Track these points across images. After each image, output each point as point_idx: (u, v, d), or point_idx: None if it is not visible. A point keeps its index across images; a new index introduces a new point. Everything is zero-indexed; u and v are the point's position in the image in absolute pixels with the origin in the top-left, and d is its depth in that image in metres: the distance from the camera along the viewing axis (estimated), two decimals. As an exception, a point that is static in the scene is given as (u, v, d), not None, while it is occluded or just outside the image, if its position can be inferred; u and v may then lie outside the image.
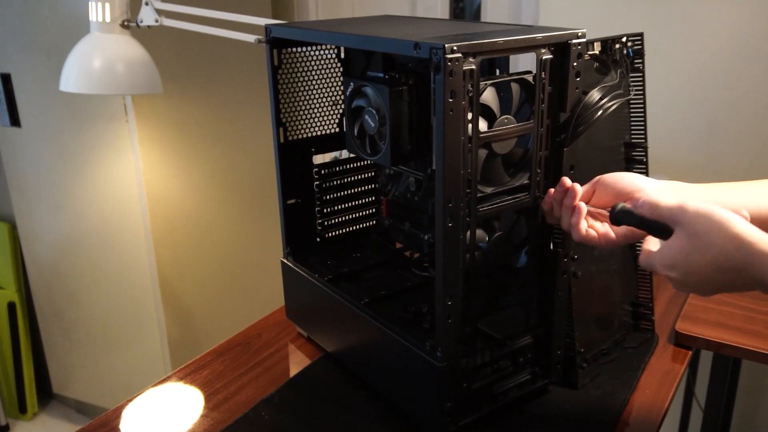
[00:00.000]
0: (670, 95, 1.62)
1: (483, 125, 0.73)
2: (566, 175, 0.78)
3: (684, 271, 0.63)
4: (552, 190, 0.77)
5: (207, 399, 0.93)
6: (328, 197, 1.06)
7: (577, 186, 0.74)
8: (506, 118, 0.74)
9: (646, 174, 0.93)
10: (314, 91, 1.02)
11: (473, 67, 0.67)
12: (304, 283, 1.00)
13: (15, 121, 1.92)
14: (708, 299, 1.16)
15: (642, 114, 0.92)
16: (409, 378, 0.82)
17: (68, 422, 2.26)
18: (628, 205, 0.69)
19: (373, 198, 1.10)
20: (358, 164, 1.07)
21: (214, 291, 2.08)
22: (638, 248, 0.97)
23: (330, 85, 1.04)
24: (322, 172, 1.04)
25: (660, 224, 0.65)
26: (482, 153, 0.74)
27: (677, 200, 0.64)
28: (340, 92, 1.05)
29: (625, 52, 0.86)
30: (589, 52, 0.83)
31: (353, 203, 1.09)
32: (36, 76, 1.83)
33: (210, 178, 1.99)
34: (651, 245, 0.68)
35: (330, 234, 1.08)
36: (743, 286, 0.62)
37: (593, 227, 0.74)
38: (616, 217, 0.70)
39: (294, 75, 0.99)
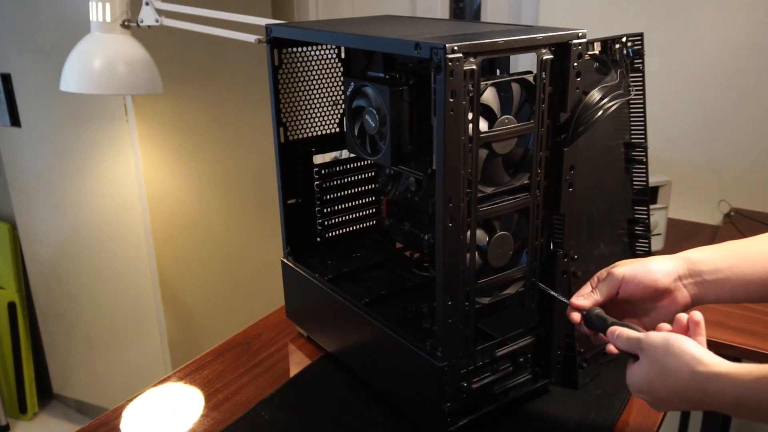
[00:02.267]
0: (670, 95, 1.62)
1: (483, 125, 0.73)
2: (566, 175, 0.78)
3: (651, 398, 0.66)
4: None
5: (207, 399, 0.93)
6: (328, 197, 1.06)
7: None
8: (507, 118, 0.74)
9: (646, 174, 0.93)
10: (314, 91, 1.02)
11: (474, 67, 0.67)
12: (304, 283, 1.00)
13: (15, 121, 1.92)
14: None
15: (642, 114, 0.92)
16: (409, 378, 0.82)
17: (68, 422, 2.26)
18: (600, 312, 0.74)
19: (373, 198, 1.10)
20: (358, 164, 1.07)
21: (214, 291, 2.08)
22: (638, 250, 0.97)
23: (330, 85, 1.04)
24: (322, 172, 1.04)
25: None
26: (482, 153, 0.74)
27: (642, 333, 0.67)
28: (340, 92, 1.05)
29: (625, 52, 0.86)
30: (590, 52, 0.83)
31: (353, 203, 1.09)
32: (36, 76, 1.83)
33: (210, 178, 1.99)
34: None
35: (330, 234, 1.08)
36: (711, 407, 0.63)
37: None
38: (587, 323, 0.74)
39: (294, 75, 0.99)
